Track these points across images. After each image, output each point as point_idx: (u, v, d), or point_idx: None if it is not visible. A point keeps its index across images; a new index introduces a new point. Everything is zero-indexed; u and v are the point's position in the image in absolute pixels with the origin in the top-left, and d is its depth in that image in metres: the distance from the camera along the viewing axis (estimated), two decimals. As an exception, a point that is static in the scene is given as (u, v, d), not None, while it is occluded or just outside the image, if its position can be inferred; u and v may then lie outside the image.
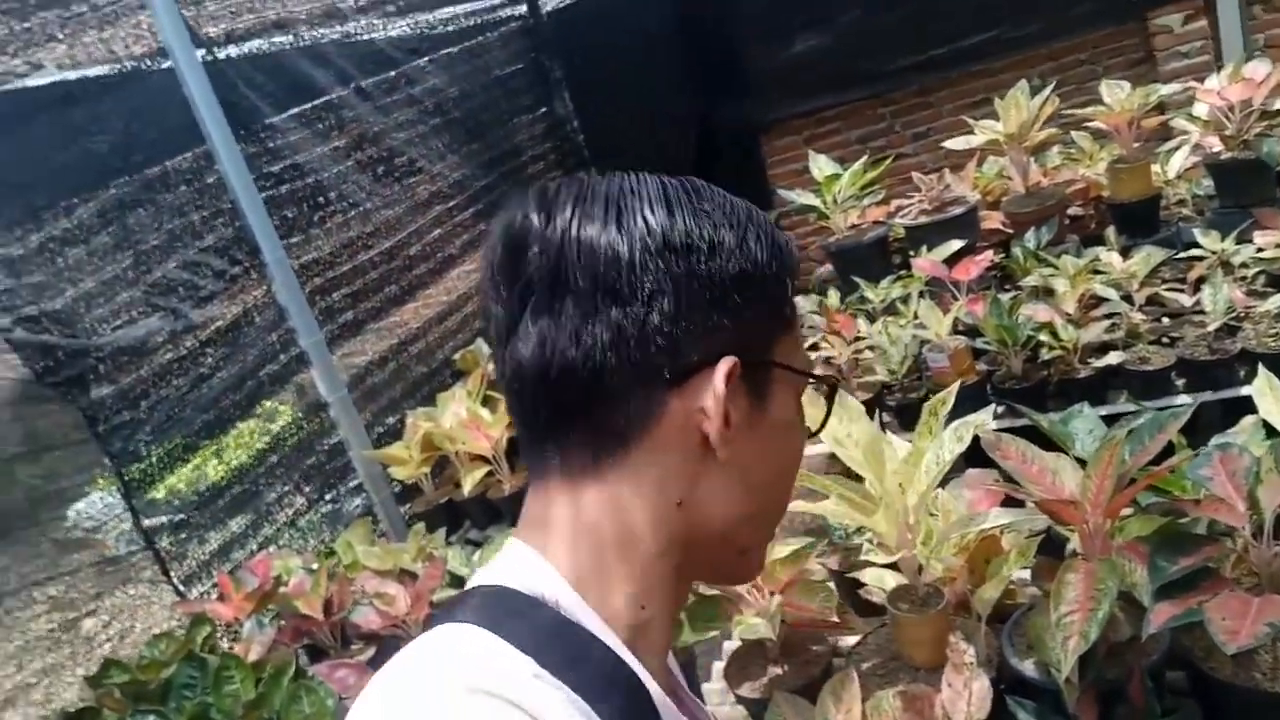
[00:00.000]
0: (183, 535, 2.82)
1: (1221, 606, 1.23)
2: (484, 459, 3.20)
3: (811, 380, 0.73)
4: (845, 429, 1.59)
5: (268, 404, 3.25)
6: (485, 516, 3.34)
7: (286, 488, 3.13)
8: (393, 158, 4.10)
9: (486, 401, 3.47)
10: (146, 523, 2.79)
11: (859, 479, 1.63)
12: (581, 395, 0.63)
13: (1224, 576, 1.34)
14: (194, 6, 3.42)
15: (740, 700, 1.74)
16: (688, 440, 0.65)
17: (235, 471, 3.06)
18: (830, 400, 0.78)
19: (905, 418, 2.86)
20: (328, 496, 3.25)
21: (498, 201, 4.62)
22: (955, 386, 1.64)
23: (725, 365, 0.64)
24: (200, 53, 3.26)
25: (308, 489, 3.21)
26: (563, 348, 0.62)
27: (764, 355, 0.68)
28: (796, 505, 1.62)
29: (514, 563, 0.67)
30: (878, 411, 2.63)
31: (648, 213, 0.64)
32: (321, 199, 3.67)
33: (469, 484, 3.16)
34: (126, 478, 2.66)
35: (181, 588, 2.75)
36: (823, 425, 0.79)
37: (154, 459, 2.78)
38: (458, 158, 4.39)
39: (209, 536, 2.86)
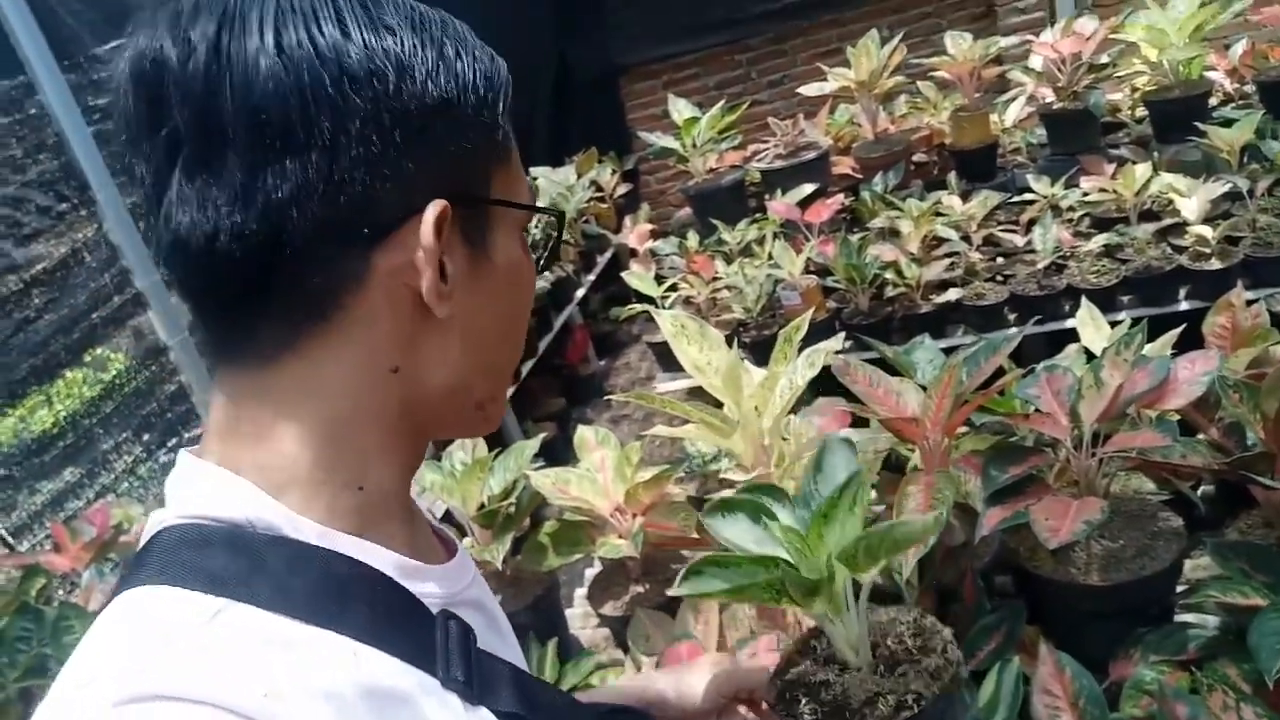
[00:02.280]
0: (10, 486, 2.65)
1: (1045, 509, 1.33)
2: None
3: (536, 213, 0.64)
4: (705, 357, 1.62)
5: (101, 348, 3.07)
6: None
7: (125, 435, 2.98)
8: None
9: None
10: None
11: (719, 405, 1.68)
12: (260, 266, 0.53)
13: (1047, 483, 1.44)
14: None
15: (603, 620, 1.78)
16: (399, 301, 0.56)
17: (67, 419, 2.89)
18: (559, 234, 0.67)
19: (759, 353, 2.95)
20: (170, 443, 3.11)
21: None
22: (809, 314, 1.69)
23: (434, 211, 0.55)
24: (12, -30, 3.01)
25: (148, 436, 3.06)
26: (228, 211, 0.51)
27: (479, 192, 0.59)
28: (657, 431, 1.65)
29: (197, 488, 0.57)
30: (734, 347, 2.71)
31: (315, 32, 0.51)
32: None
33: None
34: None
35: (10, 540, 2.59)
36: (551, 258, 0.69)
37: (-25, 406, 2.60)
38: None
39: (40, 487, 2.70)
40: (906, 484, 1.48)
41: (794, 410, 1.91)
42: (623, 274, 3.27)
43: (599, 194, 4.65)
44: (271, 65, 0.50)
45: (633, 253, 4.10)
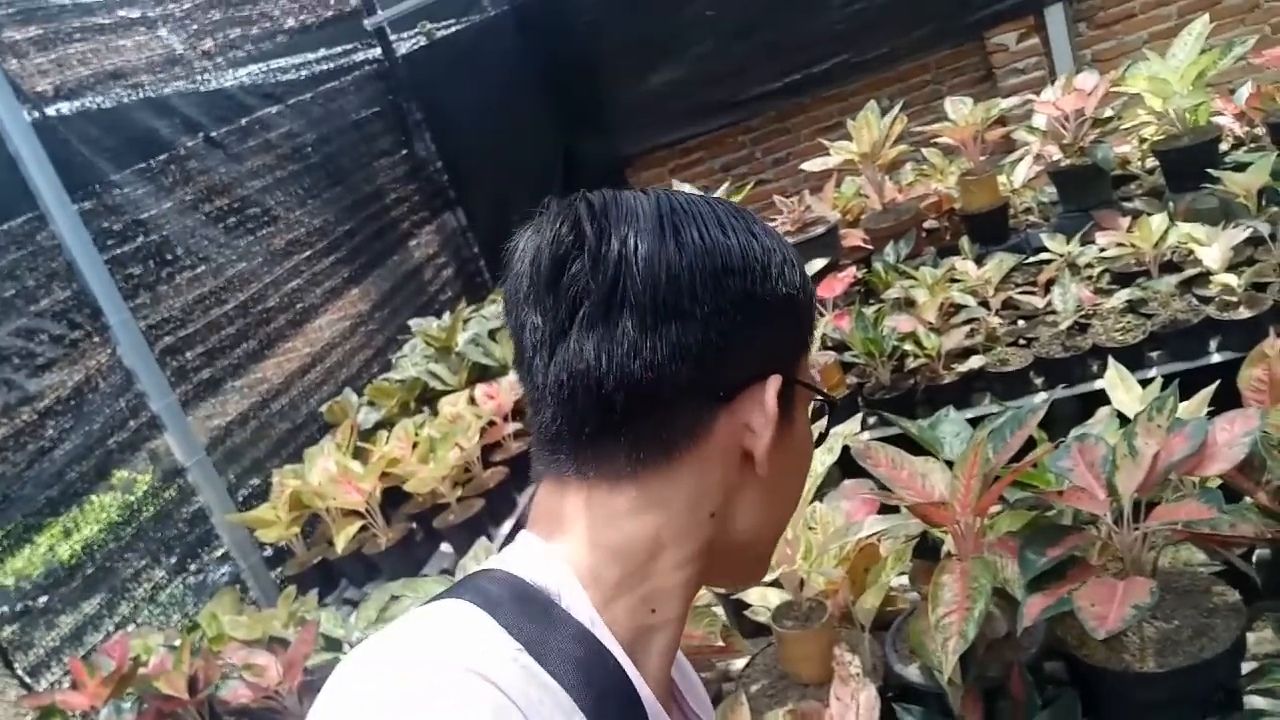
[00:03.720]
0: (28, 622, 2.60)
1: (1090, 593, 1.24)
2: (357, 514, 3.06)
3: (820, 397, 0.75)
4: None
5: (120, 474, 3.04)
6: (362, 574, 3.20)
7: (144, 561, 2.93)
8: (246, 207, 3.95)
9: (357, 454, 3.34)
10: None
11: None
12: (634, 408, 0.64)
13: (1090, 564, 1.35)
14: (17, 61, 3.23)
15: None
16: (730, 455, 0.67)
17: (86, 548, 2.85)
18: (832, 415, 0.83)
19: (783, 436, 2.88)
20: (191, 567, 3.06)
21: (360, 247, 4.50)
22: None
23: (775, 385, 0.66)
24: (26, 109, 3.09)
25: (169, 561, 3.02)
26: (620, 361, 0.63)
27: (793, 372, 0.70)
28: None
29: (525, 553, 0.68)
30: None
31: (704, 231, 0.65)
32: (170, 255, 3.51)
33: (342, 541, 3.01)
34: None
35: (28, 679, 2.53)
36: (823, 437, 0.86)
37: (-9, 542, 2.57)
38: (316, 204, 4.27)
39: (59, 621, 2.65)
40: (940, 573, 1.40)
41: (819, 496, 1.84)
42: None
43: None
44: (671, 253, 0.63)
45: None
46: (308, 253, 4.13)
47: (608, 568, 0.66)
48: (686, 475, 0.66)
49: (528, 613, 0.62)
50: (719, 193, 3.73)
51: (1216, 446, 1.37)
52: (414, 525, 3.20)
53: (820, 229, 3.48)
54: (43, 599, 2.68)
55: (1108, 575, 1.31)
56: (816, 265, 3.26)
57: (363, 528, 3.10)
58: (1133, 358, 2.38)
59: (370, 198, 4.73)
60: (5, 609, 2.59)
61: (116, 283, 3.10)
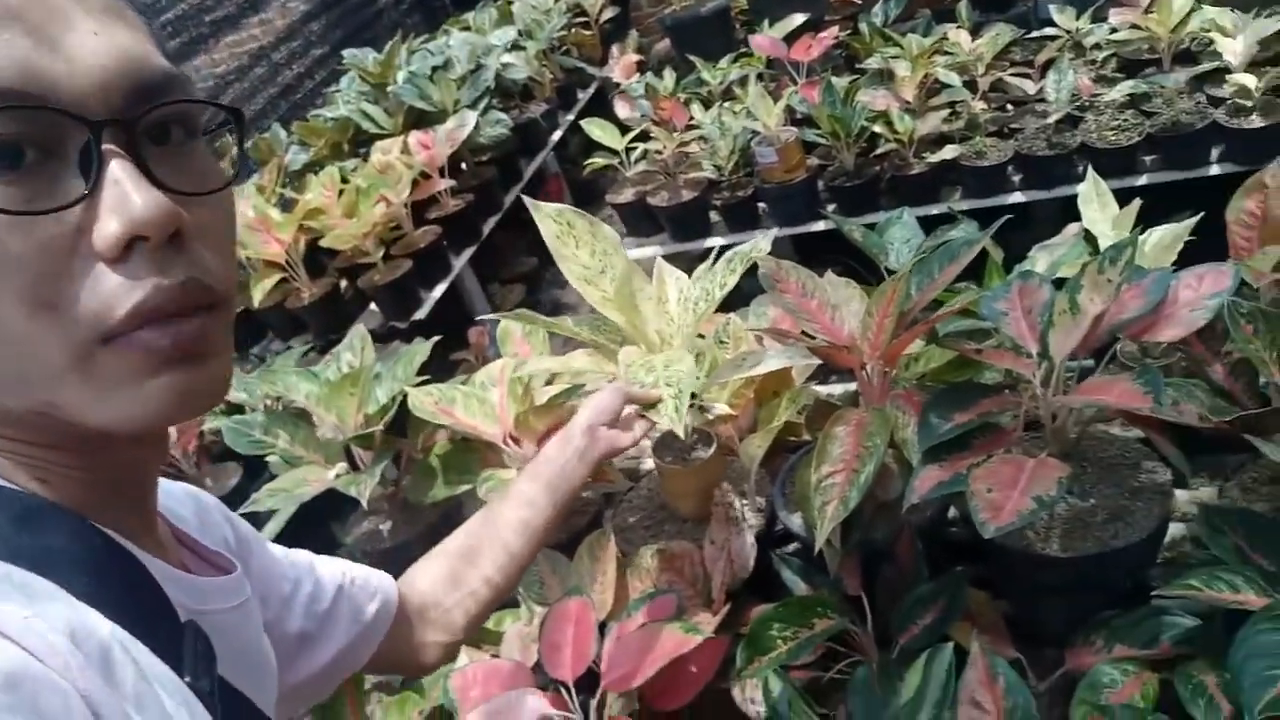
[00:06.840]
0: None
1: (990, 473, 1.06)
2: (277, 265, 2.87)
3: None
4: (599, 263, 1.33)
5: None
6: (287, 328, 3.05)
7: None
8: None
9: (283, 203, 3.10)
10: None
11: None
12: None
13: (1006, 431, 1.17)
14: None
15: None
16: None
17: None
18: (239, 127, 0.61)
19: (733, 219, 2.63)
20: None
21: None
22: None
23: None
24: None
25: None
26: None
27: None
28: (531, 367, 1.36)
29: None
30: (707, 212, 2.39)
31: None
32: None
33: (259, 294, 2.84)
34: None
35: None
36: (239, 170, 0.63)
37: None
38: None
39: None
40: (834, 423, 1.22)
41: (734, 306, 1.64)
42: (582, 122, 2.92)
43: (582, 19, 4.20)
44: None
45: (618, 88, 3.71)
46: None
47: None
48: None
49: None
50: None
51: (1176, 307, 1.16)
52: (341, 282, 3.02)
53: (806, -24, 3.06)
54: None
55: (1018, 451, 1.13)
56: (794, 21, 2.89)
57: (282, 280, 2.92)
58: (1123, 161, 2.12)
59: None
60: None
61: None
